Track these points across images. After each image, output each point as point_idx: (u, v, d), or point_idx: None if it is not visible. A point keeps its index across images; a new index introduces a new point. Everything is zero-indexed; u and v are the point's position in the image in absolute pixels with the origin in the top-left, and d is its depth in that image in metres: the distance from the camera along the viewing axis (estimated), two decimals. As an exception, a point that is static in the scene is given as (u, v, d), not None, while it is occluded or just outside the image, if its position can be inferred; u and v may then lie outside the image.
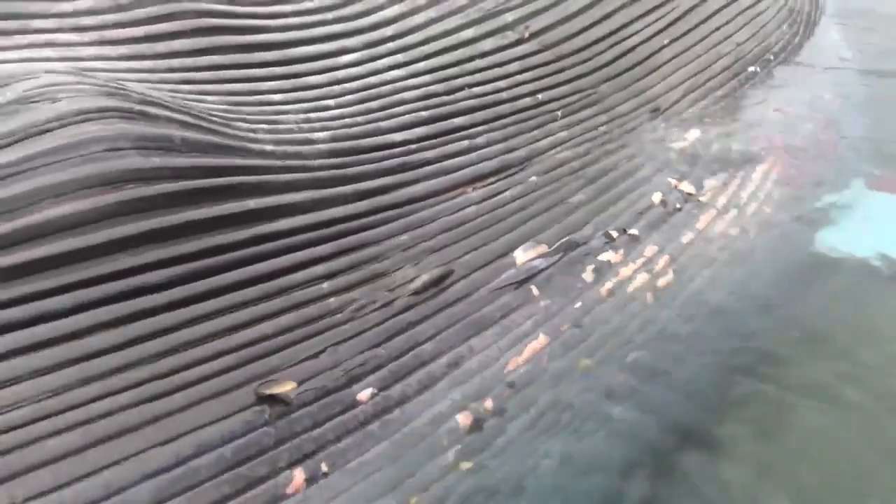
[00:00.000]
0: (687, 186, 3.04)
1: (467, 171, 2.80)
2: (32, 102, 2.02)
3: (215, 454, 1.66)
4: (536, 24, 3.65)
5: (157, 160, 2.04)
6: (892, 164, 3.34)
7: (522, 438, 1.88)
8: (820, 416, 2.00)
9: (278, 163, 2.38)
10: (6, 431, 1.56)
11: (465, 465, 1.80)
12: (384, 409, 1.90)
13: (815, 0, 5.60)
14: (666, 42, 4.02)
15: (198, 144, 2.18)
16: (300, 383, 1.85)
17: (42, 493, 1.50)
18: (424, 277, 2.25)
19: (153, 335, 1.80)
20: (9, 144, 1.94)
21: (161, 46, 2.74)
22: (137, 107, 2.16)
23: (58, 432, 1.59)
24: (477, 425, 1.92)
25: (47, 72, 2.20)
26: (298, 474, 1.70)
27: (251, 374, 1.83)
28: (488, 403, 1.97)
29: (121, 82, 2.31)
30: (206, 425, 1.70)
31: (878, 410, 1.99)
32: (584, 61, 3.71)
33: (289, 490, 1.67)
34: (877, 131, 3.76)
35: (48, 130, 1.96)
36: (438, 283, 2.27)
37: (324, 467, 1.74)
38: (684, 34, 4.13)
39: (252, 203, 2.18)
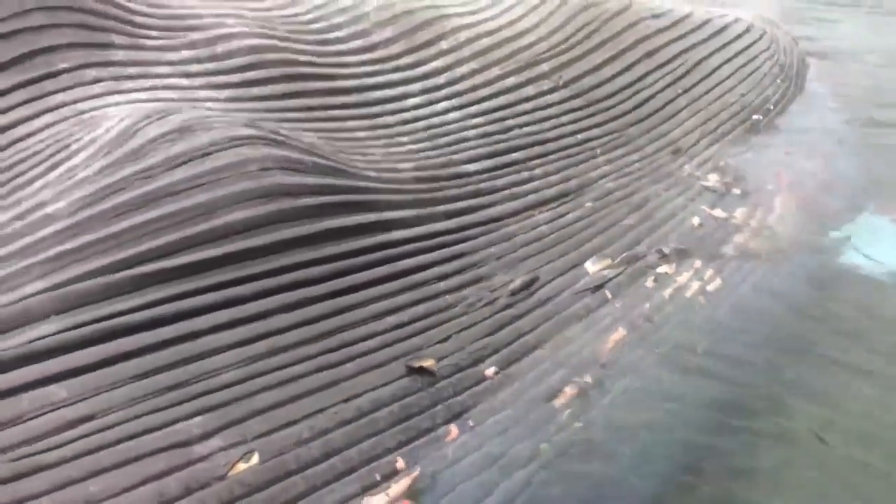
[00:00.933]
0: (720, 213, 3.79)
1: (532, 198, 3.51)
2: (190, 131, 2.64)
3: (387, 410, 2.23)
4: (569, 73, 4.46)
5: (296, 178, 2.68)
6: (886, 192, 4.21)
7: (618, 404, 2.50)
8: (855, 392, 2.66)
9: (380, 185, 3.02)
10: (223, 389, 2.10)
11: (577, 424, 2.39)
12: (507, 383, 2.50)
13: (801, 59, 6.64)
14: (680, 92, 4.85)
15: (321, 167, 2.83)
16: (438, 360, 2.43)
17: (263, 434, 2.04)
18: (518, 281, 2.88)
19: (321, 318, 2.40)
20: (178, 165, 2.55)
21: (256, 90, 3.42)
22: (271, 135, 2.80)
23: (265, 389, 2.14)
24: (582, 394, 2.53)
25: (193, 108, 2.82)
26: (454, 428, 2.27)
27: (400, 351, 2.43)
28: (588, 378, 2.58)
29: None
30: (376, 388, 2.28)
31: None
32: (611, 108, 4.51)
33: (448, 439, 2.23)
34: (868, 167, 4.66)
35: (208, 154, 2.59)
36: (528, 286, 2.92)
37: (470, 423, 2.30)
38: (694, 85, 5.01)
39: (373, 216, 2.80)
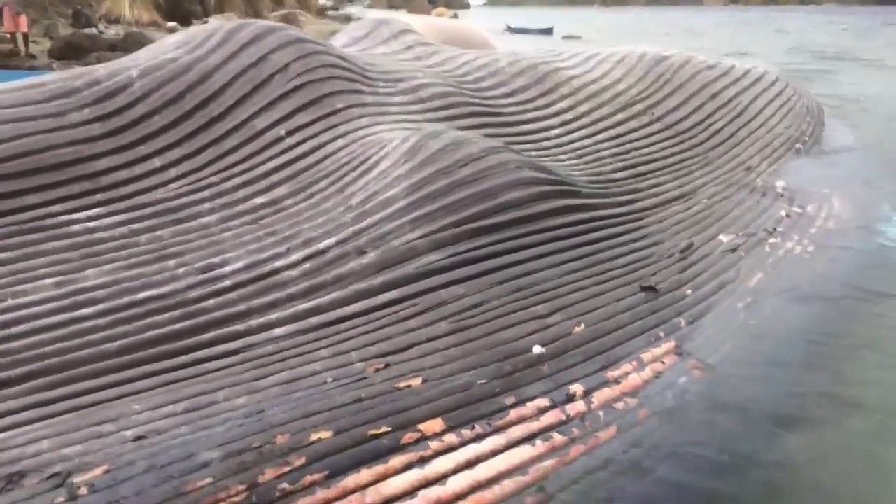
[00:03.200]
0: (797, 208, 5.52)
1: (665, 196, 5.22)
2: (463, 143, 4.27)
3: (643, 307, 3.83)
4: (658, 111, 6.24)
5: (534, 173, 4.32)
6: None
7: (770, 314, 4.11)
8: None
9: (572, 182, 4.65)
10: (544, 292, 3.65)
11: (751, 322, 3.99)
12: (701, 299, 4.10)
13: (817, 102, 8.62)
14: (741, 125, 6.67)
15: (540, 167, 4.45)
16: (656, 284, 4.02)
17: (580, 315, 3.57)
18: (683, 244, 4.52)
19: (581, 257, 4.00)
20: (465, 164, 4.15)
21: (457, 122, 5.09)
22: (505, 142, 4.44)
23: (569, 293, 3.70)
24: (748, 308, 4.14)
25: (450, 131, 4.45)
26: (682, 320, 3.84)
27: (632, 279, 4.01)
28: (748, 299, 4.21)
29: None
30: (630, 296, 3.86)
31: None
32: (693, 137, 6.30)
33: (682, 325, 3.79)
34: (892, 176, 6.59)
35: (482, 157, 4.20)
36: (689, 248, 4.54)
37: (689, 319, 3.88)
38: (750, 121, 6.86)
39: (579, 201, 4.43)
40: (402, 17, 7.55)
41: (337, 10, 40.32)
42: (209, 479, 2.37)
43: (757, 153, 6.67)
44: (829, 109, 9.74)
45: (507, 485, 2.67)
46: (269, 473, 2.43)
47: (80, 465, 2.39)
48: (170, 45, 4.59)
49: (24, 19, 14.56)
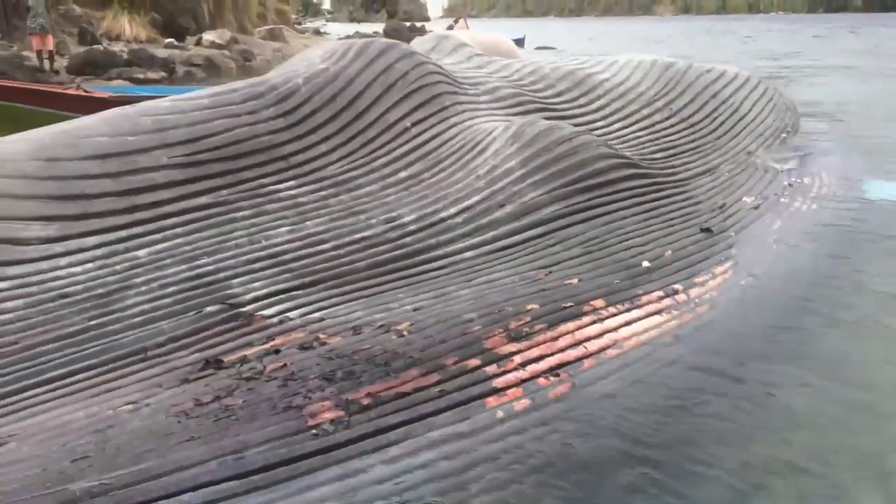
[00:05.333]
0: (796, 180, 7.27)
1: (696, 170, 6.89)
2: (555, 129, 5.86)
3: (699, 244, 5.43)
4: (675, 106, 7.95)
5: (609, 150, 5.92)
6: (881, 169, 7.95)
7: (788, 243, 5.77)
8: None
9: (630, 158, 6.29)
10: (622, 231, 5.26)
11: (780, 249, 5.64)
12: (741, 240, 5.72)
13: (793, 102, 10.47)
14: (738, 119, 8.44)
15: (609, 145, 6.08)
16: (711, 227, 5.66)
17: (659, 245, 5.18)
18: (719, 204, 6.19)
19: (649, 210, 5.60)
20: (560, 143, 5.74)
21: (528, 118, 6.67)
22: (578, 128, 6.07)
23: (637, 237, 5.30)
24: (778, 241, 5.78)
25: (540, 120, 6.06)
26: (734, 250, 5.47)
27: (692, 223, 5.63)
28: (776, 236, 5.86)
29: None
30: (690, 235, 5.47)
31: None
32: (704, 128, 8.03)
33: (734, 255, 5.42)
34: (863, 157, 8.44)
35: (572, 138, 5.80)
36: (723, 206, 6.21)
37: (738, 249, 5.51)
38: (745, 115, 8.62)
39: (640, 171, 6.07)
40: (454, 32, 9.18)
41: (300, 24, 42.67)
42: (478, 326, 3.87)
43: (753, 141, 8.44)
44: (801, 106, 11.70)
45: (651, 333, 4.25)
46: (513, 324, 3.95)
47: (390, 323, 3.87)
48: (317, 58, 6.08)
49: (49, 39, 15.91)
